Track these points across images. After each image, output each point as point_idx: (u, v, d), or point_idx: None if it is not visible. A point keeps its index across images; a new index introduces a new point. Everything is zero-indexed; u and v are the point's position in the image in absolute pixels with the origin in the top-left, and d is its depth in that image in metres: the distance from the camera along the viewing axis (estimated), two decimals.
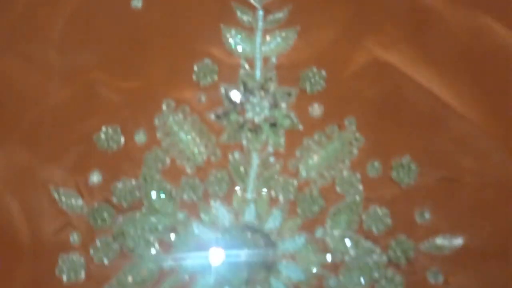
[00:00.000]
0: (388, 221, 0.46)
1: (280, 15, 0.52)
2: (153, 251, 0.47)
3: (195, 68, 0.51)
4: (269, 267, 0.46)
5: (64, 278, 0.46)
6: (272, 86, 0.51)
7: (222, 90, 0.51)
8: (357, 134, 0.48)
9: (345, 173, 0.48)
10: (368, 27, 0.52)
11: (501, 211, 0.46)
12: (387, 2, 0.52)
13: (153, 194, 0.48)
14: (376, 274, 0.45)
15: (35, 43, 0.53)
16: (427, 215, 0.46)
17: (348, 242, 0.46)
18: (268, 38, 0.52)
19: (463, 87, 0.49)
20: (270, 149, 0.49)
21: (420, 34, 0.51)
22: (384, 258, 0.45)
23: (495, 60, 0.50)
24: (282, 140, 0.49)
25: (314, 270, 0.46)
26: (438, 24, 0.51)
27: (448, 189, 0.47)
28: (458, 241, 0.45)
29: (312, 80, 0.50)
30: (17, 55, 0.52)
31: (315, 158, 0.48)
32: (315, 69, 0.51)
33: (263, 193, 0.48)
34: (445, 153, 0.47)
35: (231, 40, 0.52)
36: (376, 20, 0.51)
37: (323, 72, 0.50)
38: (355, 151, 0.48)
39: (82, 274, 0.47)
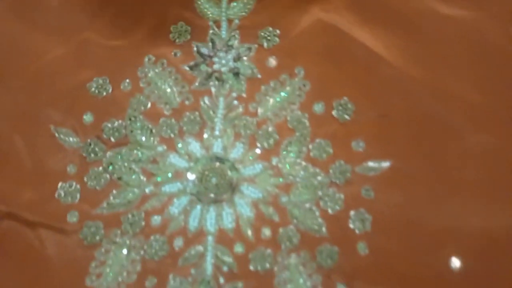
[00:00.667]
0: (330, 150, 0.55)
1: None
2: (137, 178, 0.56)
3: (172, 29, 0.60)
4: (233, 189, 0.54)
5: (62, 201, 0.55)
6: (235, 43, 0.59)
7: (194, 47, 0.59)
8: (305, 81, 0.57)
9: (295, 112, 0.56)
10: None
11: (423, 140, 0.55)
12: None
13: (143, 134, 0.57)
14: (320, 193, 0.54)
15: (37, 8, 0.61)
16: (361, 145, 0.54)
17: (298, 167, 0.55)
18: (232, 4, 0.61)
19: (392, 41, 0.58)
20: (234, 94, 0.57)
21: (357, 2, 0.61)
22: (327, 179, 0.54)
23: (418, 19, 0.59)
24: (243, 87, 0.57)
25: (270, 190, 0.55)
26: None
27: (380, 123, 0.55)
28: (386, 164, 0.54)
29: (269, 38, 0.59)
30: (22, 18, 0.61)
31: (271, 101, 0.57)
32: (270, 29, 0.59)
33: (228, 130, 0.57)
34: (377, 94, 0.56)
35: (201, 6, 0.61)
36: None
37: (278, 31, 0.59)
38: (303, 94, 0.57)
39: (78, 198, 0.55)
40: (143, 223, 0.53)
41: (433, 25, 0.58)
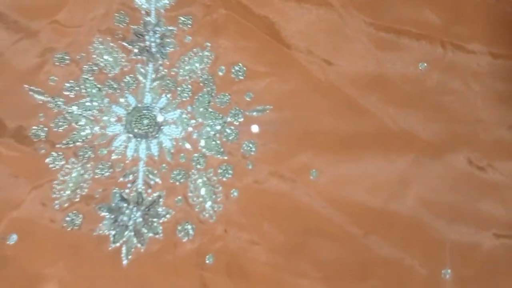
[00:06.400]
0: (229, 100, 0.67)
1: None
2: (88, 122, 0.65)
3: (116, 15, 0.69)
4: (159, 128, 0.66)
5: (34, 138, 0.66)
6: (161, 26, 0.70)
7: (131, 29, 0.70)
8: (211, 52, 0.68)
9: (204, 74, 0.67)
10: None
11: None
12: None
13: (93, 91, 0.67)
14: (217, 128, 0.66)
15: None
16: (251, 95, 0.66)
17: (206, 112, 0.67)
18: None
19: None
20: (160, 61, 0.68)
21: None
22: (226, 119, 0.66)
23: None
24: (167, 57, 0.68)
25: (186, 129, 0.66)
26: None
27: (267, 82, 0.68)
28: (268, 107, 0.67)
29: (185, 22, 0.69)
30: None
31: (187, 67, 0.68)
32: (183, 17, 0.69)
33: (156, 87, 0.68)
34: (263, 57, 0.68)
35: (137, 1, 0.71)
36: None
37: (190, 18, 0.69)
38: (210, 61, 0.67)
39: (45, 136, 0.65)
40: (93, 154, 0.64)
41: None
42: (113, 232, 0.61)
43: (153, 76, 0.67)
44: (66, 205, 0.62)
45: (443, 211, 0.61)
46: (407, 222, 0.61)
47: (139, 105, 0.66)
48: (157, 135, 0.65)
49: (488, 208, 0.61)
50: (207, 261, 0.60)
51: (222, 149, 0.64)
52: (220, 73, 0.67)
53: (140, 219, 0.61)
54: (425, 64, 0.67)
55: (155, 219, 0.61)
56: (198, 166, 0.64)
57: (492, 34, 0.68)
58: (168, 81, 0.67)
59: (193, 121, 0.66)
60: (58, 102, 0.65)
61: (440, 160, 0.63)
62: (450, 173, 0.63)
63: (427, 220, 0.61)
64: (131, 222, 0.61)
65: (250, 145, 0.65)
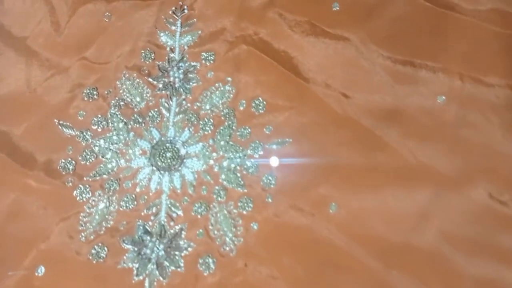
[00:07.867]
0: (249, 133, 0.66)
1: (189, 23, 0.73)
2: (114, 155, 0.65)
3: (141, 53, 0.71)
4: (182, 161, 0.66)
5: (62, 170, 0.66)
6: (185, 62, 0.71)
7: (156, 65, 0.71)
8: (232, 87, 0.68)
9: (225, 108, 0.67)
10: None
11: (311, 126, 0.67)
12: None
13: (119, 125, 0.68)
14: (238, 161, 0.65)
15: None
16: (271, 128, 0.65)
17: (227, 145, 0.66)
18: (183, 35, 0.72)
19: None
20: (183, 96, 0.68)
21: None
22: (246, 152, 0.65)
23: None
24: (190, 91, 0.68)
25: (208, 162, 0.66)
26: None
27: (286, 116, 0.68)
28: (287, 140, 0.66)
29: (207, 58, 0.70)
30: None
31: (209, 101, 0.68)
32: (205, 53, 0.70)
33: (179, 121, 0.68)
34: (286, 94, 0.68)
35: (162, 38, 0.73)
36: None
37: (212, 54, 0.70)
38: (231, 96, 0.67)
39: (72, 170, 0.66)
40: (118, 187, 0.64)
41: None
42: (136, 265, 0.60)
43: (177, 110, 0.67)
44: (92, 237, 0.62)
45: (464, 245, 0.59)
46: (428, 256, 0.58)
47: (163, 138, 0.66)
48: (179, 168, 0.65)
49: (511, 243, 0.59)
50: None
51: (242, 182, 0.64)
52: (241, 107, 0.67)
53: (162, 252, 0.61)
54: (444, 97, 0.65)
55: (177, 252, 0.61)
56: (219, 199, 0.63)
57: (510, 67, 0.66)
58: (190, 115, 0.67)
59: (214, 154, 0.65)
60: (86, 136, 0.66)
61: (460, 193, 0.61)
62: (470, 207, 0.60)
63: (448, 254, 0.58)
64: (153, 255, 0.61)
65: (270, 177, 0.63)
